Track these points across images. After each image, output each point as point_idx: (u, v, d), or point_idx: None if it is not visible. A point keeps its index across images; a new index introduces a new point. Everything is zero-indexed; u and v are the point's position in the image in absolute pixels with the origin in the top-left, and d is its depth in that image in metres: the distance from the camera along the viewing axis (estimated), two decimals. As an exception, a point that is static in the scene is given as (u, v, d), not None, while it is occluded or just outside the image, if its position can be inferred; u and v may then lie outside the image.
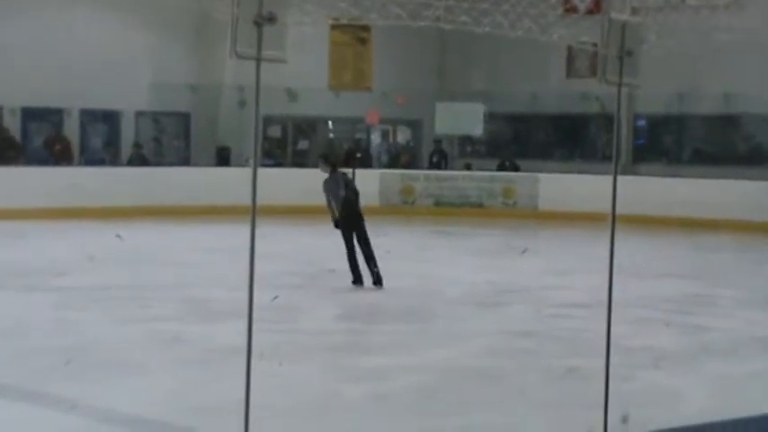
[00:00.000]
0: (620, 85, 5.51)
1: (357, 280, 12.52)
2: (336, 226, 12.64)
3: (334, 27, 22.33)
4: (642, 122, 25.53)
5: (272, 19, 5.18)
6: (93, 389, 7.45)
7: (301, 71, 23.16)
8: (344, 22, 20.87)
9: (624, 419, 6.23)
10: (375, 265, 12.48)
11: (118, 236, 14.08)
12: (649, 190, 21.58)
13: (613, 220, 5.74)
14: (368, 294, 12.32)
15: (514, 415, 7.26)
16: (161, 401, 7.25)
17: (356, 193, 12.71)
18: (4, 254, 15.50)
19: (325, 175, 12.72)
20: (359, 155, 25.70)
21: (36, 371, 8.06)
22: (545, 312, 11.37)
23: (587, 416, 6.40)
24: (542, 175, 23.84)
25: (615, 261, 5.99)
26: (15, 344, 9.05)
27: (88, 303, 11.13)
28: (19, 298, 11.59)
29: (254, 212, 5.48)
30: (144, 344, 9.23)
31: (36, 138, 23.30)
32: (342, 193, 12.49)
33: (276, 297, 10.79)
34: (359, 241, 12.54)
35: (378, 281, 12.45)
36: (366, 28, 23.21)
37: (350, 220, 12.56)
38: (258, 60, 5.29)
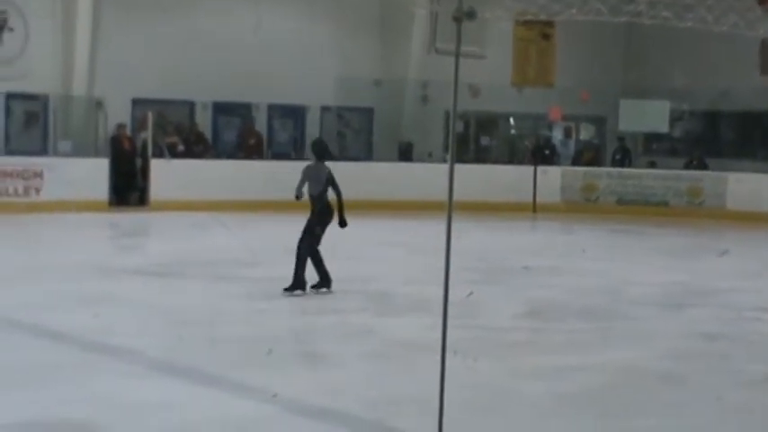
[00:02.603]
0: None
1: (327, 281, 11.45)
2: (297, 198, 11.42)
3: (518, 23, 22.25)
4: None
5: (471, 15, 5.14)
6: (285, 379, 7.63)
7: (484, 67, 23.26)
8: (530, 17, 20.75)
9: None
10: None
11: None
12: None
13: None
14: (551, 292, 12.26)
15: (703, 419, 7.08)
16: (352, 393, 7.37)
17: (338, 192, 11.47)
18: (196, 244, 16.07)
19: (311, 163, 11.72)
20: (547, 152, 25.53)
21: (231, 360, 8.31)
22: (735, 316, 11.06)
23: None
24: (731, 174, 23.15)
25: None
26: (210, 332, 9.33)
27: (280, 294, 11.34)
28: (213, 287, 11.94)
29: (450, 209, 5.53)
30: (334, 336, 9.40)
31: (225, 132, 24.04)
32: (321, 185, 11.39)
33: (471, 293, 10.86)
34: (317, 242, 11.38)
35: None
36: (551, 23, 23.03)
37: (327, 216, 11.45)
38: (457, 56, 5.27)
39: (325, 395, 7.23)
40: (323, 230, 11.40)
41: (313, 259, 11.36)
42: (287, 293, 11.19)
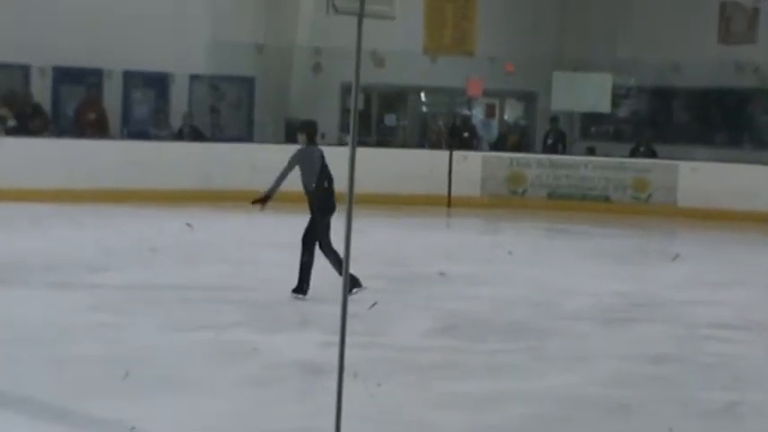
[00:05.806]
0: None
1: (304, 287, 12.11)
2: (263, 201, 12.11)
3: (432, -22, 22.38)
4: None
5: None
6: (144, 409, 7.59)
7: (390, 31, 23.22)
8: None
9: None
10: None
11: (188, 225, 14.29)
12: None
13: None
14: (471, 304, 12.37)
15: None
16: (229, 427, 7.35)
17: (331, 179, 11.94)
18: (33, 244, 15.78)
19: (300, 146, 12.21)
20: (465, 134, 25.70)
21: (78, 387, 8.23)
22: (689, 333, 11.29)
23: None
24: (684, 164, 23.60)
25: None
26: (51, 353, 9.22)
27: (140, 306, 11.31)
28: (55, 298, 11.78)
29: (350, 202, 5.56)
30: (206, 356, 9.38)
31: (70, 104, 23.67)
32: (315, 174, 11.84)
33: (374, 304, 10.96)
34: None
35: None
36: (471, -20, 23.22)
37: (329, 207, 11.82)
38: (360, 17, 5.30)
39: (195, 429, 7.19)
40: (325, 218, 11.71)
41: (308, 259, 11.92)
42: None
